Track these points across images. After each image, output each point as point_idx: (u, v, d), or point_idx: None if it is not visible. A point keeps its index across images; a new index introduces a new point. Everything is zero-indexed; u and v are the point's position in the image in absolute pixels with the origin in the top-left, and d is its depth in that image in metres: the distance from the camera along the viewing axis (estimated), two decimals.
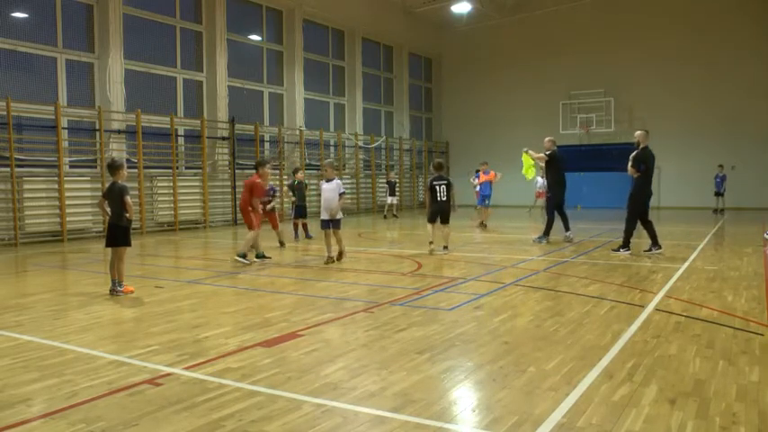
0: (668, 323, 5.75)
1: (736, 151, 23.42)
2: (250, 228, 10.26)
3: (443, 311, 6.43)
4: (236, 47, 20.01)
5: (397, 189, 22.27)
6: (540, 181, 22.77)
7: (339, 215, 10.06)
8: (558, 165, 12.76)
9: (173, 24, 18.14)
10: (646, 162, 10.46)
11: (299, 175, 14.25)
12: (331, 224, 10.03)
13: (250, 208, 10.35)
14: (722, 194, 22.16)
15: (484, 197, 17.26)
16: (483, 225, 16.61)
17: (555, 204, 12.83)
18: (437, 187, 11.22)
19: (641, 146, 10.55)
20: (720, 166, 22.30)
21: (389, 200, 21.38)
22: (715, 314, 6.11)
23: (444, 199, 11.23)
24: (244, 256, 10.04)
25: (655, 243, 10.67)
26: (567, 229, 12.95)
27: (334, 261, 10.09)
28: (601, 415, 3.56)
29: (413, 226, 18.90)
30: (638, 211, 10.63)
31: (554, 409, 3.63)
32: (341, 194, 9.99)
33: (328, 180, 10.06)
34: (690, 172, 24.04)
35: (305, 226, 13.99)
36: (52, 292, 8.01)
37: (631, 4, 25.36)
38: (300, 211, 13.93)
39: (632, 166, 10.53)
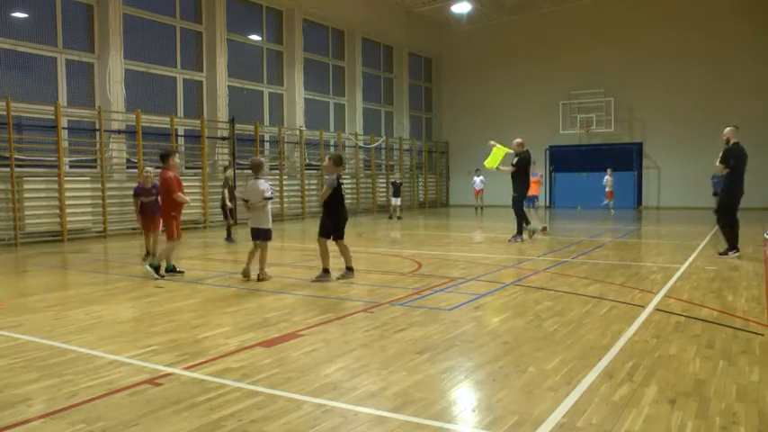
0: (668, 323, 5.75)
1: None
2: (170, 237, 8.86)
3: (443, 311, 6.43)
4: (236, 47, 20.00)
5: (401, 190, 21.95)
6: (607, 178, 22.80)
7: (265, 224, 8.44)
8: (526, 167, 13.03)
9: (173, 24, 18.13)
10: (737, 158, 9.93)
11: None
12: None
13: (174, 213, 8.87)
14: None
15: (532, 198, 15.75)
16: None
17: (519, 202, 12.98)
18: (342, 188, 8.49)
19: (731, 142, 10.06)
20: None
21: (394, 201, 21.07)
22: (715, 314, 6.11)
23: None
24: (157, 268, 8.72)
25: (733, 247, 10.19)
26: (519, 232, 12.97)
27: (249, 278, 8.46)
28: (601, 415, 3.56)
29: (414, 226, 18.91)
30: (734, 209, 10.10)
31: (554, 409, 3.63)
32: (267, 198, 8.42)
33: (257, 178, 8.47)
34: (690, 172, 23.97)
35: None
36: (52, 292, 8.01)
37: (632, 3, 25.34)
38: None
39: (720, 161, 10.01)
